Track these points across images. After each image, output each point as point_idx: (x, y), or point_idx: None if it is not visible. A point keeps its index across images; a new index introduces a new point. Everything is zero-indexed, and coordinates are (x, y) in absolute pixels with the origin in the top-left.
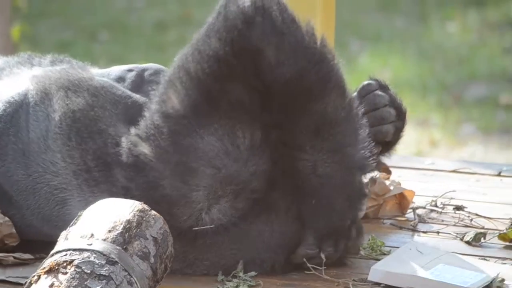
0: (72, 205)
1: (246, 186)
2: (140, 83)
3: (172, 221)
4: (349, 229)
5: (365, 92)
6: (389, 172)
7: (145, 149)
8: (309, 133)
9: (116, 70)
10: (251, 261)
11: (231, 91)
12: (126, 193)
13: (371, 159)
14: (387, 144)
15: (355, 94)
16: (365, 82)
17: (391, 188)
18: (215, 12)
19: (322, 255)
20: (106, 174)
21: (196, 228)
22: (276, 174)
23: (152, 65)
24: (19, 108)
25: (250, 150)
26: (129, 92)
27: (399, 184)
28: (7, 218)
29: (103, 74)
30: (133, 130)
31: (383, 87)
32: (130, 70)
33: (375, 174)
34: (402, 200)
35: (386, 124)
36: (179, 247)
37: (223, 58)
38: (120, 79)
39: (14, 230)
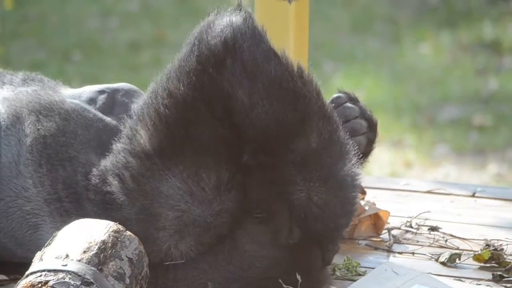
0: (45, 230)
1: (209, 227)
2: (112, 104)
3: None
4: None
5: (335, 105)
6: (363, 193)
7: (112, 187)
8: (296, 166)
9: (88, 91)
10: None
11: (197, 136)
12: None
13: (360, 173)
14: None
15: None
16: (335, 95)
17: (366, 208)
18: (188, 46)
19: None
20: (76, 207)
21: (167, 263)
22: (243, 212)
23: (124, 85)
24: None
25: (216, 191)
26: (100, 115)
27: (374, 204)
28: None
29: (75, 96)
30: (103, 163)
31: (353, 99)
32: (101, 92)
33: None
34: (377, 220)
35: (358, 135)
36: (152, 278)
37: (191, 104)
38: (92, 101)
39: None
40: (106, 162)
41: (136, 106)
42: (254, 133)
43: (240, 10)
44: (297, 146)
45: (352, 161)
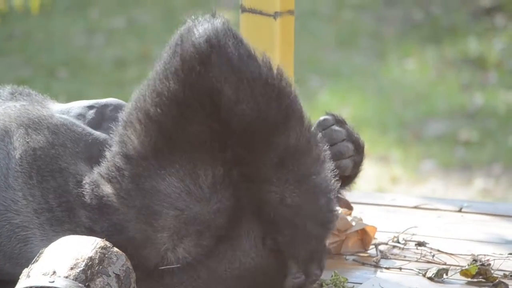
0: (35, 243)
1: (209, 225)
2: (101, 120)
3: (139, 262)
4: (325, 247)
5: (322, 128)
6: (350, 208)
7: (108, 190)
8: (273, 165)
9: (77, 106)
10: None
11: (191, 133)
12: (91, 235)
13: (336, 183)
14: (346, 179)
15: None
16: (322, 118)
17: (353, 224)
18: (170, 49)
19: (316, 279)
20: (69, 214)
21: (163, 267)
22: (240, 210)
23: (112, 100)
24: None
25: (213, 188)
26: (89, 130)
27: (361, 220)
28: None
29: (63, 111)
30: (96, 170)
31: (340, 122)
32: (90, 107)
33: (337, 210)
34: (364, 236)
35: (344, 158)
36: (147, 283)
37: (183, 101)
38: (81, 116)
39: None
40: (100, 169)
41: (123, 114)
42: (237, 125)
43: (216, 17)
44: (277, 143)
45: (329, 170)
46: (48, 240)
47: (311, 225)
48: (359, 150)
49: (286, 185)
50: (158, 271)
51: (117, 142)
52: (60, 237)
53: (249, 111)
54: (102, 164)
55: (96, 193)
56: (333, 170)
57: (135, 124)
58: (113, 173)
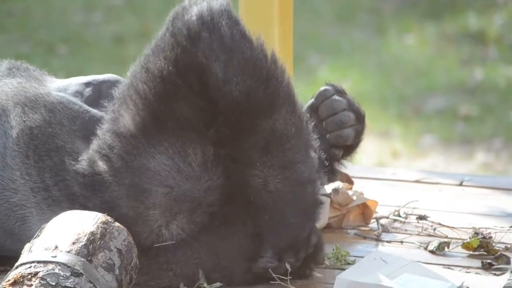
0: (32, 222)
1: (201, 202)
2: (98, 97)
3: (134, 239)
4: (308, 239)
5: (322, 98)
6: (351, 182)
7: (100, 168)
8: (258, 149)
9: (74, 83)
10: (212, 270)
11: (177, 110)
12: None
13: (322, 172)
14: (348, 148)
15: (312, 100)
16: (322, 88)
17: (354, 198)
18: (164, 27)
19: (287, 265)
20: (66, 193)
21: (157, 245)
22: (230, 188)
23: (110, 77)
24: None
25: (203, 166)
26: (86, 107)
27: (362, 194)
28: None
29: (60, 89)
30: (90, 148)
31: (340, 92)
32: (88, 84)
33: (338, 184)
34: (365, 210)
35: (346, 128)
36: (144, 261)
37: (168, 78)
38: (78, 93)
39: None
40: (93, 146)
41: (117, 90)
42: (225, 105)
43: None
44: (264, 127)
45: (316, 159)
46: (45, 220)
47: (291, 213)
48: (360, 120)
49: (270, 171)
50: (153, 249)
51: (109, 119)
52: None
53: (237, 92)
54: (94, 141)
55: (89, 171)
56: (320, 159)
57: (127, 101)
58: (104, 151)
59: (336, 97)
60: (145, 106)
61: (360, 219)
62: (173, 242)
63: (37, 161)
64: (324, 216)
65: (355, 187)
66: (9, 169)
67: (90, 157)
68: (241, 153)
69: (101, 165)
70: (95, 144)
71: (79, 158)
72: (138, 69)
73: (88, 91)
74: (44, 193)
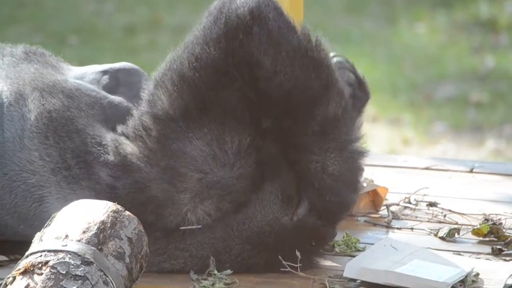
0: (50, 202)
1: (231, 190)
2: (115, 85)
3: (160, 221)
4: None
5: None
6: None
7: (132, 149)
8: (314, 134)
9: (90, 72)
10: (224, 252)
11: (225, 99)
12: (111, 192)
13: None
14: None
15: None
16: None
17: (364, 185)
18: (211, 16)
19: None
20: (88, 172)
21: (183, 228)
22: (262, 176)
23: (126, 65)
24: None
25: (237, 155)
26: (104, 93)
27: (372, 181)
28: None
29: (77, 76)
30: (119, 129)
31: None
32: (104, 72)
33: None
34: (375, 197)
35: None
36: (165, 243)
37: (223, 68)
38: (95, 81)
39: None
40: (126, 127)
41: (156, 73)
42: (278, 96)
43: None
44: (319, 113)
45: (361, 134)
46: (63, 198)
47: (347, 192)
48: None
49: (327, 154)
50: (179, 231)
51: (147, 101)
52: (77, 194)
53: (286, 82)
54: (128, 122)
55: (120, 151)
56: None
57: (167, 85)
58: (139, 132)
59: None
60: (191, 91)
61: (371, 206)
62: (199, 226)
63: (57, 142)
64: None
65: (365, 174)
66: (27, 150)
67: (117, 138)
68: (298, 140)
69: (132, 146)
70: (129, 125)
71: (103, 141)
72: (184, 55)
73: (105, 78)
74: (65, 172)
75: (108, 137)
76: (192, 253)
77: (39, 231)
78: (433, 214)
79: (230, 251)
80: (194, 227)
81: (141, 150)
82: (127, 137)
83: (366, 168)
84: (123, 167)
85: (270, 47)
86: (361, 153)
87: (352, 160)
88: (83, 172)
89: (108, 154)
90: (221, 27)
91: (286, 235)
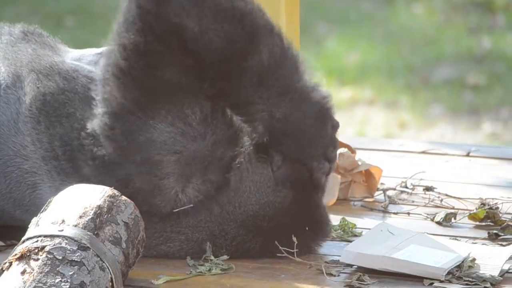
0: (43, 190)
1: (211, 158)
2: None
3: (152, 209)
4: (332, 136)
5: None
6: (353, 152)
7: (107, 149)
8: (253, 86)
9: (88, 54)
10: (220, 236)
11: (163, 76)
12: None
13: (321, 83)
14: None
15: None
16: None
17: (359, 163)
18: (126, 1)
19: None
20: (73, 166)
21: (176, 210)
22: (235, 135)
23: None
24: None
25: (204, 123)
26: None
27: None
28: None
29: (75, 58)
30: (91, 125)
31: None
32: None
33: (343, 149)
34: (369, 180)
35: None
36: (162, 226)
37: (147, 49)
38: (92, 62)
39: None
40: (94, 125)
41: (99, 70)
42: (209, 56)
43: None
44: (251, 63)
45: (308, 74)
46: (55, 187)
47: (309, 122)
48: None
49: (270, 101)
50: (173, 214)
51: (101, 100)
52: (67, 185)
53: (216, 38)
54: (95, 121)
55: (97, 153)
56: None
57: (112, 80)
58: (106, 132)
59: None
60: (132, 81)
61: (365, 190)
62: (191, 205)
63: (48, 127)
64: (334, 193)
65: (362, 159)
66: (21, 135)
67: (93, 136)
68: (239, 96)
69: (107, 146)
70: (96, 125)
71: (85, 131)
72: (114, 48)
73: None
74: (54, 162)
75: (88, 126)
76: (188, 236)
77: (34, 215)
78: (429, 198)
79: (225, 235)
80: (186, 207)
81: (114, 149)
82: (100, 137)
83: (362, 152)
84: (104, 168)
85: (192, 8)
86: (312, 87)
87: (300, 99)
88: (70, 167)
89: (88, 156)
90: (134, 7)
91: (280, 219)
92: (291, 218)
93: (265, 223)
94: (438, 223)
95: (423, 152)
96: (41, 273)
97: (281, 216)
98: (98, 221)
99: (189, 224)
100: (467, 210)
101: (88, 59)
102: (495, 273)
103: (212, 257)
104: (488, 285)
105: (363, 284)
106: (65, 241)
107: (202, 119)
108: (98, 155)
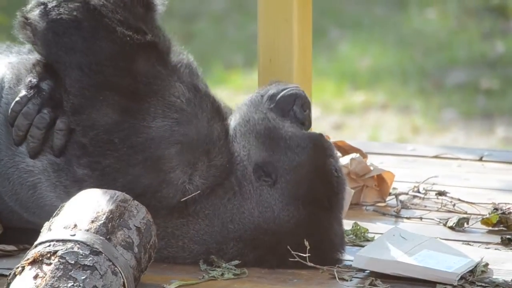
0: (43, 189)
1: (211, 137)
2: None
3: (161, 203)
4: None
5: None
6: (364, 156)
7: (107, 160)
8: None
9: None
10: (223, 242)
11: (134, 71)
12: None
13: None
14: None
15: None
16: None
17: (371, 168)
18: None
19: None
20: (73, 178)
21: (184, 199)
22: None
23: None
24: None
25: (191, 103)
26: None
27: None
28: None
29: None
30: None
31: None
32: None
33: (355, 155)
34: (381, 185)
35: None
36: (172, 219)
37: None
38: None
39: None
40: (88, 148)
41: (76, 95)
42: None
43: None
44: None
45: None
46: (54, 185)
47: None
48: None
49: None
50: (181, 203)
51: (86, 127)
52: (67, 188)
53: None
54: (88, 148)
55: (96, 168)
56: None
57: (96, 99)
58: (103, 147)
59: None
60: (110, 89)
61: (377, 195)
62: (199, 192)
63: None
64: (346, 204)
65: (375, 164)
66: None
67: (85, 161)
68: None
69: (107, 159)
70: (91, 150)
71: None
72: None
73: None
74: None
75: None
76: (185, 243)
77: (40, 218)
78: (442, 203)
79: (225, 249)
80: (194, 194)
81: (115, 160)
82: (94, 154)
83: (374, 157)
84: (107, 179)
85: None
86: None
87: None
88: (66, 173)
89: (87, 172)
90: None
91: (283, 235)
92: (297, 237)
93: (267, 237)
94: (451, 228)
95: (436, 157)
96: (53, 277)
97: (286, 234)
98: (110, 225)
99: (188, 231)
100: (479, 215)
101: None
102: (508, 278)
103: (223, 263)
104: None
105: None
106: (78, 245)
107: (188, 101)
108: (97, 169)
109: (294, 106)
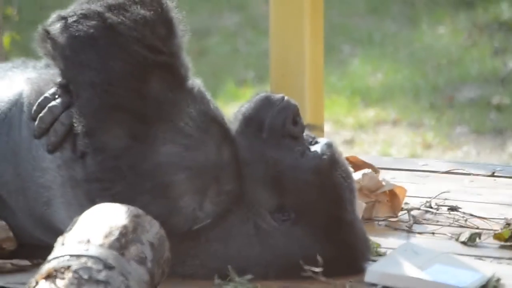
0: (57, 206)
1: (219, 163)
2: None
3: (172, 231)
4: None
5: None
6: (376, 171)
7: (114, 188)
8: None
9: None
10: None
11: (149, 94)
12: None
13: None
14: None
15: None
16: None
17: (384, 184)
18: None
19: None
20: (89, 197)
21: (195, 228)
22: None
23: None
24: (13, 107)
25: (199, 129)
26: None
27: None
28: (3, 222)
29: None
30: (93, 177)
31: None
32: None
33: (367, 170)
34: (393, 199)
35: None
36: (184, 249)
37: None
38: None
39: (11, 234)
40: (97, 173)
41: (81, 123)
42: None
43: None
44: None
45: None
46: (68, 202)
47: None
48: None
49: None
50: (192, 232)
51: (96, 150)
52: (81, 202)
53: None
54: (96, 170)
55: (105, 194)
56: None
57: (103, 123)
58: (111, 175)
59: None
60: (122, 112)
61: (389, 210)
62: (209, 220)
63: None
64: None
65: (387, 179)
66: (42, 147)
67: (96, 185)
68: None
69: (115, 187)
70: (98, 178)
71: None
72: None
73: None
74: (71, 171)
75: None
76: (201, 262)
77: (50, 238)
78: (454, 218)
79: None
80: (204, 223)
81: (123, 188)
82: (104, 180)
83: (386, 172)
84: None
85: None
86: None
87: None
88: (83, 191)
89: (95, 195)
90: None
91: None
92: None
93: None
94: (463, 243)
95: (448, 172)
96: None
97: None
98: (123, 240)
99: (202, 250)
100: (492, 230)
101: None
102: None
103: (237, 278)
104: None
105: None
106: (91, 260)
107: (196, 127)
108: (106, 196)
109: (286, 125)
